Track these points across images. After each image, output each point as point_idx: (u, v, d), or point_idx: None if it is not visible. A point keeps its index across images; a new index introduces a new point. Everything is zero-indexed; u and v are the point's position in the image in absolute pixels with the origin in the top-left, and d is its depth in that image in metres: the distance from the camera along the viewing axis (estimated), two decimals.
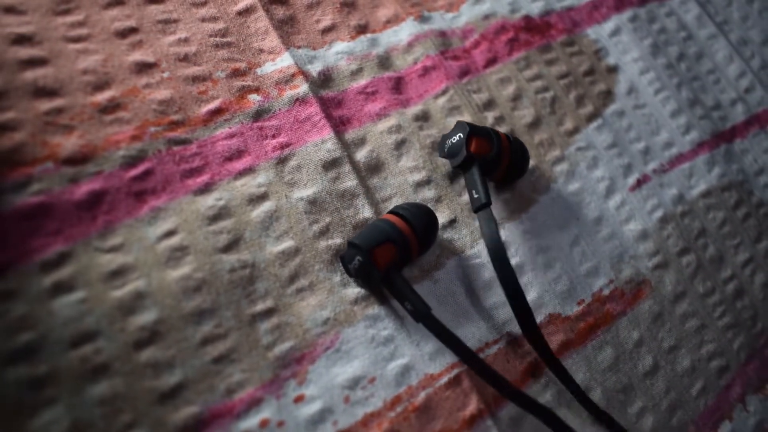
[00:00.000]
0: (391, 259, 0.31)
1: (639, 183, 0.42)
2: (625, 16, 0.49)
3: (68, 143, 0.30)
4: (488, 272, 0.35)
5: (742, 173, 0.46)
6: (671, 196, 0.43)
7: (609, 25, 0.48)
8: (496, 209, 0.37)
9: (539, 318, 0.35)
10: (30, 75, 0.30)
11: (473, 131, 0.34)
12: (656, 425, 0.35)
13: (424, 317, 0.30)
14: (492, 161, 0.35)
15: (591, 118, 0.43)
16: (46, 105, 0.30)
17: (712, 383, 0.38)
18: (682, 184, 0.43)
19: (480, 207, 0.33)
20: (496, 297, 0.35)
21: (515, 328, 0.35)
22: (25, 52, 0.31)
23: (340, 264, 0.33)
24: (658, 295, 0.39)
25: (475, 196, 0.33)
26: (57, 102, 0.31)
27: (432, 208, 0.36)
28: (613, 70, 0.46)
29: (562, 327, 0.36)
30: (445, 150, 0.36)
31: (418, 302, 0.30)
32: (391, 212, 0.33)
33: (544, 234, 0.38)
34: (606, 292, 0.38)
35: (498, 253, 0.32)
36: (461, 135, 0.34)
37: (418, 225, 0.32)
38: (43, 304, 0.27)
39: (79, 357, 0.27)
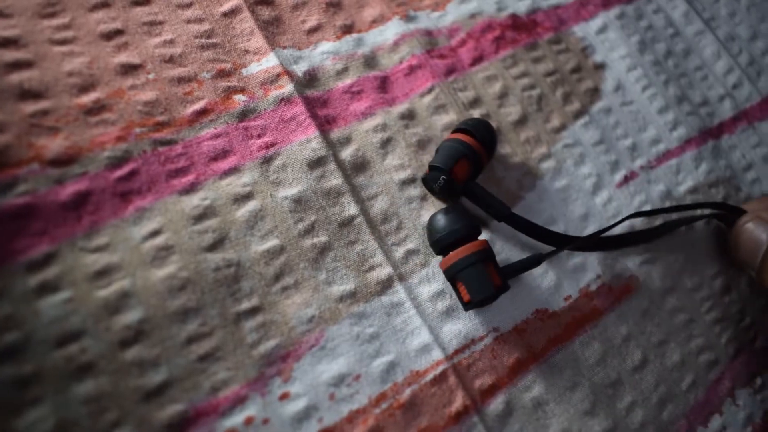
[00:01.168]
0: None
1: (626, 179, 0.42)
2: (613, 14, 0.49)
3: (54, 145, 0.30)
4: None
5: (729, 169, 0.46)
6: (658, 192, 0.43)
7: (596, 23, 0.48)
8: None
9: (526, 314, 0.36)
10: (15, 77, 0.31)
11: (447, 168, 0.34)
12: (646, 419, 0.36)
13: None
14: (475, 173, 0.36)
15: (578, 115, 0.43)
16: (31, 107, 0.30)
17: (702, 377, 0.38)
18: (669, 181, 0.44)
19: (507, 217, 0.35)
20: None
21: (501, 325, 0.35)
22: (10, 54, 0.31)
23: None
24: (646, 290, 0.39)
25: (492, 212, 0.35)
26: (42, 104, 0.31)
27: (418, 206, 0.36)
28: (600, 67, 0.46)
29: (549, 323, 0.36)
30: (438, 193, 0.36)
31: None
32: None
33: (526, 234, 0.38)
34: (593, 287, 0.38)
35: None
36: (443, 178, 0.34)
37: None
38: (28, 303, 0.27)
39: (65, 356, 0.27)
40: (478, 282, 0.31)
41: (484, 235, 0.37)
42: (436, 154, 0.35)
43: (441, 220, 0.33)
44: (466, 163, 0.35)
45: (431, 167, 0.35)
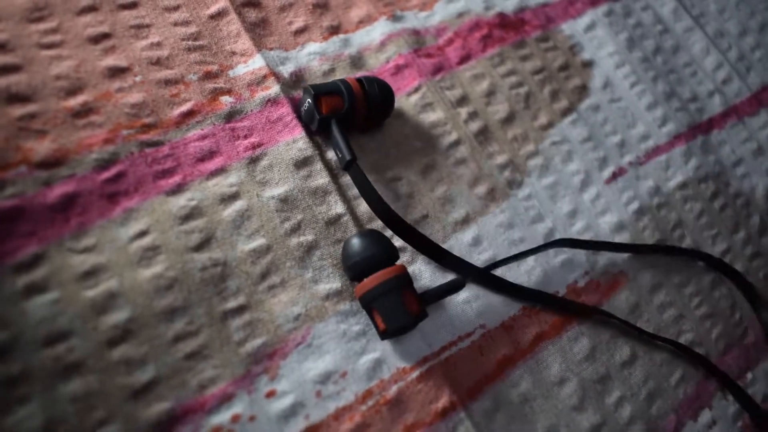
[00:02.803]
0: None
1: (615, 176, 0.42)
2: (601, 11, 0.49)
3: (41, 147, 0.31)
4: None
5: (719, 164, 0.46)
6: (647, 188, 0.43)
7: (584, 20, 0.48)
8: (470, 203, 0.38)
9: (513, 311, 0.36)
10: (3, 81, 0.31)
11: (319, 91, 0.34)
12: (635, 414, 0.36)
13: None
14: (347, 114, 0.35)
15: (566, 112, 0.44)
16: (19, 110, 0.31)
17: (691, 372, 0.39)
18: (658, 176, 0.44)
19: (348, 164, 0.34)
20: (468, 292, 0.35)
21: (488, 321, 0.35)
22: None
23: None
24: (635, 285, 0.39)
25: (339, 156, 0.34)
26: (30, 107, 0.31)
27: (404, 205, 0.36)
28: (588, 64, 0.46)
29: (536, 319, 0.36)
30: (303, 116, 0.36)
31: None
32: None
33: (518, 227, 0.38)
34: (581, 283, 0.38)
35: (378, 203, 0.33)
36: (309, 100, 0.34)
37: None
38: (16, 304, 0.28)
39: (53, 356, 0.27)
40: (394, 310, 0.30)
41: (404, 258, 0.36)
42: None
43: (356, 244, 0.31)
44: (338, 99, 0.34)
45: (304, 89, 0.35)
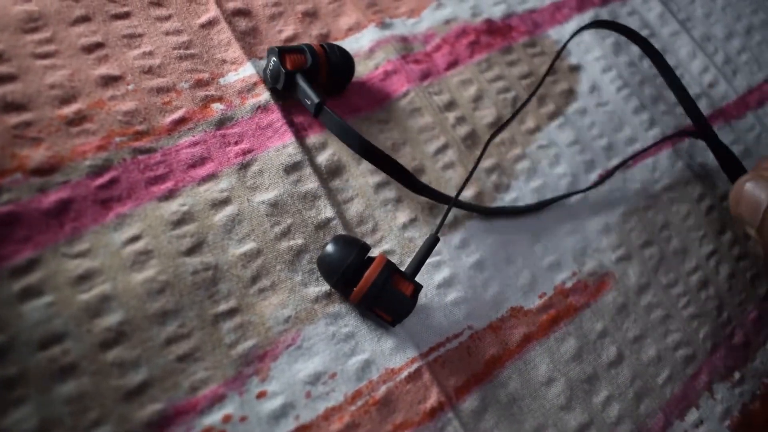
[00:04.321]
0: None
1: (601, 178, 0.43)
2: (587, 17, 0.50)
3: (36, 155, 0.31)
4: (447, 269, 0.36)
5: (706, 167, 0.47)
6: (634, 190, 0.44)
7: (571, 26, 0.49)
8: (454, 209, 0.39)
9: (500, 312, 0.36)
10: None
11: (283, 50, 0.35)
12: (623, 413, 0.36)
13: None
14: (311, 70, 0.36)
15: (553, 116, 0.44)
16: (14, 119, 0.32)
17: (679, 372, 0.39)
18: (645, 179, 0.45)
19: (318, 108, 0.35)
20: (456, 293, 0.36)
21: (476, 322, 0.36)
22: None
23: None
24: (622, 286, 0.40)
25: (308, 102, 0.35)
26: (25, 116, 0.32)
27: (393, 208, 0.37)
28: (575, 69, 0.47)
29: (523, 320, 0.37)
30: (269, 79, 0.37)
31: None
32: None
33: (506, 230, 0.39)
34: (569, 284, 0.39)
35: (356, 139, 0.34)
36: (274, 59, 0.35)
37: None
38: (12, 308, 0.28)
39: (48, 358, 0.28)
40: (393, 302, 0.31)
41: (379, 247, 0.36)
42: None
43: (331, 257, 0.32)
44: (301, 57, 0.36)
45: (268, 51, 0.36)
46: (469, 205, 0.38)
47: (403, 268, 0.36)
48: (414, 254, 0.36)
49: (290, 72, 0.35)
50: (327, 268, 0.32)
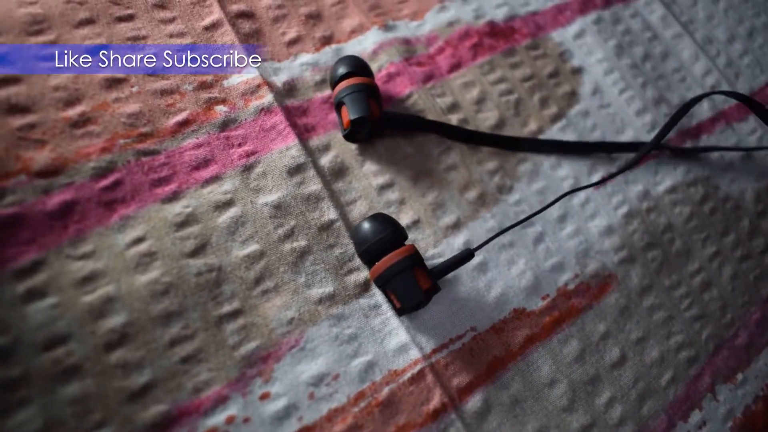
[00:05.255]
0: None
1: (604, 180, 0.43)
2: (590, 19, 0.50)
3: (40, 157, 0.31)
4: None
5: (708, 169, 0.47)
6: (636, 192, 0.44)
7: (573, 28, 0.49)
8: (460, 209, 0.39)
9: (503, 314, 0.36)
10: (3, 93, 0.32)
11: (367, 114, 0.36)
12: (625, 415, 0.36)
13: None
14: (379, 103, 0.38)
15: (555, 118, 0.44)
16: (19, 121, 0.32)
17: (681, 373, 0.39)
18: (647, 181, 0.45)
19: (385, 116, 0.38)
20: (459, 294, 0.36)
21: (479, 324, 0.36)
22: None
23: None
24: (625, 288, 0.40)
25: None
26: (29, 118, 0.32)
27: (396, 210, 0.37)
28: (577, 71, 0.47)
29: (526, 322, 0.37)
30: (362, 140, 0.38)
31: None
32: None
33: (509, 232, 0.39)
34: (571, 286, 0.39)
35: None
36: (368, 124, 0.36)
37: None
38: (16, 309, 0.28)
39: (52, 359, 0.28)
40: (407, 289, 0.32)
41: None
42: (349, 107, 0.36)
43: (366, 229, 0.33)
44: (373, 101, 0.37)
45: (353, 122, 0.36)
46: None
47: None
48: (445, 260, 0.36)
49: (380, 117, 0.37)
50: (358, 237, 0.33)
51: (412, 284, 0.32)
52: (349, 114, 0.36)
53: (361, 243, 0.33)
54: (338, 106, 0.37)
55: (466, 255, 0.34)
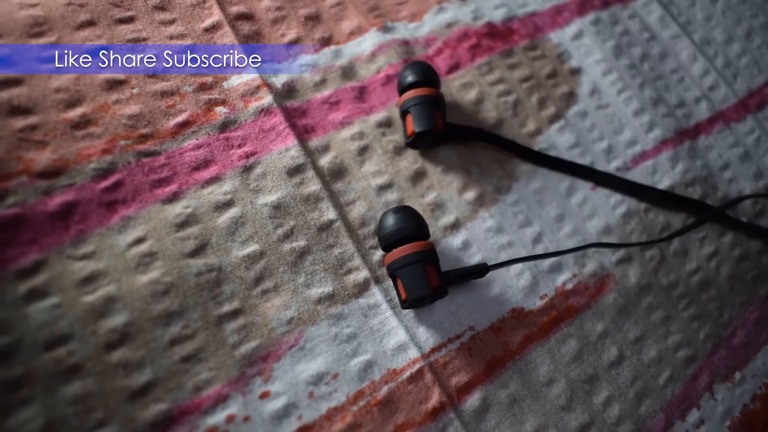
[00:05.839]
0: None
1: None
2: (588, 20, 0.50)
3: (42, 158, 0.32)
4: None
5: (706, 169, 0.47)
6: None
7: (571, 29, 0.49)
8: (459, 209, 0.39)
9: (501, 314, 0.37)
10: (5, 95, 0.32)
11: (432, 128, 0.37)
12: (623, 414, 0.36)
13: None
14: (444, 114, 0.40)
15: (553, 119, 0.45)
16: (20, 122, 0.32)
17: (679, 372, 0.39)
18: (645, 181, 0.45)
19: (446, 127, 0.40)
20: (458, 294, 0.36)
21: (477, 324, 0.36)
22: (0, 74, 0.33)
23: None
24: (623, 288, 0.40)
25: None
26: (31, 119, 0.32)
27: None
28: (575, 72, 0.47)
29: (524, 321, 0.37)
30: (424, 147, 0.40)
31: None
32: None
33: (507, 231, 0.39)
34: (569, 286, 0.39)
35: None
36: (431, 136, 0.38)
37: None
38: (18, 309, 0.29)
39: (53, 359, 0.28)
40: (416, 281, 0.32)
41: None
42: (415, 118, 0.37)
43: (390, 218, 0.34)
44: (438, 113, 0.38)
45: (418, 134, 0.37)
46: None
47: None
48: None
49: (443, 129, 0.39)
50: (382, 223, 0.34)
51: (421, 278, 0.32)
52: (414, 125, 0.37)
53: (384, 227, 0.34)
54: (403, 114, 0.38)
55: (480, 269, 0.35)
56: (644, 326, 0.40)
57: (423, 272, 0.32)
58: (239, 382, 0.31)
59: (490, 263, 0.38)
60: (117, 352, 0.29)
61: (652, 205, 0.44)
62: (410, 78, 0.38)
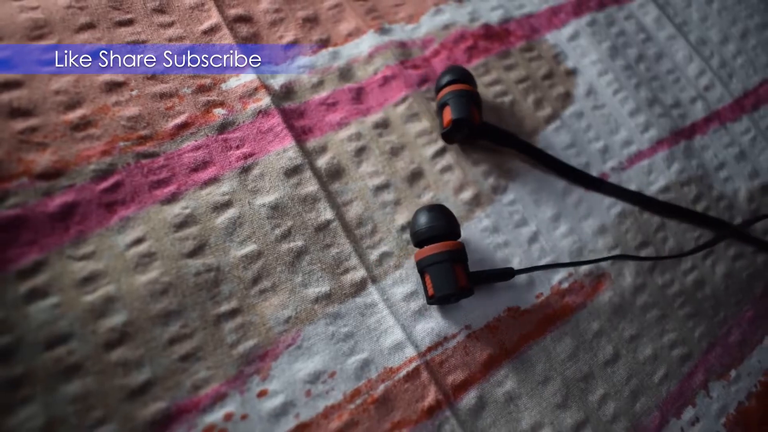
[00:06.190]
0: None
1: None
2: (584, 21, 0.51)
3: (42, 159, 0.32)
4: None
5: (702, 168, 0.48)
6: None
7: (568, 30, 0.50)
8: (455, 209, 0.39)
9: (497, 312, 0.37)
10: (5, 97, 0.33)
11: (469, 117, 0.39)
12: (618, 411, 0.37)
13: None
14: (481, 113, 0.41)
15: (549, 119, 0.45)
16: (20, 124, 0.32)
17: (675, 370, 0.40)
18: (641, 181, 0.45)
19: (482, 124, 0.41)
20: None
21: (473, 322, 0.36)
22: (0, 76, 0.33)
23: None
24: (618, 287, 0.41)
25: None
26: (31, 121, 0.33)
27: (392, 210, 0.38)
28: (571, 73, 0.48)
29: (520, 320, 0.37)
30: (458, 140, 0.41)
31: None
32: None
33: (503, 231, 0.39)
34: (565, 285, 0.39)
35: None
36: (467, 127, 0.39)
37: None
38: (19, 309, 0.29)
39: (54, 358, 0.29)
40: (444, 279, 0.33)
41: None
42: (453, 108, 0.39)
43: (424, 216, 0.35)
44: (475, 108, 0.40)
45: (454, 121, 0.38)
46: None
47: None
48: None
49: (479, 126, 0.40)
50: (415, 220, 0.35)
51: (450, 276, 0.33)
52: (451, 114, 0.38)
53: (418, 224, 0.35)
54: (441, 107, 0.40)
55: (506, 272, 0.36)
56: (640, 325, 0.40)
57: (451, 271, 0.33)
58: (237, 380, 0.31)
59: (486, 262, 0.38)
60: (116, 351, 0.30)
61: (673, 220, 0.45)
62: (449, 77, 0.40)
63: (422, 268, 0.34)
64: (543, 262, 0.40)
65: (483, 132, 0.40)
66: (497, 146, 0.42)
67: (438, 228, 0.34)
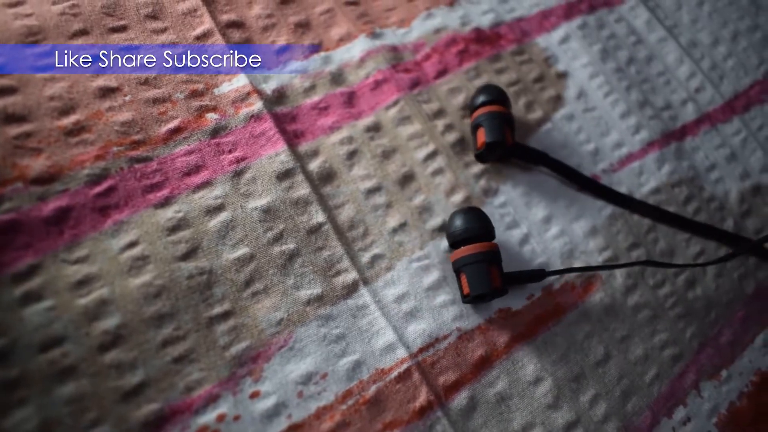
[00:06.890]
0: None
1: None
2: (575, 24, 0.51)
3: (36, 164, 0.32)
4: (436, 272, 0.37)
5: (693, 170, 0.48)
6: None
7: (558, 33, 0.50)
8: (447, 212, 0.40)
9: (488, 314, 0.37)
10: (0, 103, 0.33)
11: (502, 140, 0.40)
12: (610, 411, 0.37)
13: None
14: (513, 133, 0.42)
15: (540, 122, 0.45)
16: (15, 130, 0.33)
17: (666, 371, 0.40)
18: (632, 182, 0.45)
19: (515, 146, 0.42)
20: (445, 295, 0.37)
21: (465, 324, 0.37)
22: None
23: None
24: (609, 287, 0.41)
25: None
26: (25, 127, 0.33)
27: (383, 213, 0.38)
28: (562, 76, 0.48)
29: (511, 321, 0.38)
30: (491, 160, 0.42)
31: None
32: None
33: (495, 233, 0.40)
34: (556, 286, 0.40)
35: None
36: (500, 149, 0.40)
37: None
38: (14, 312, 0.29)
39: (48, 360, 0.29)
40: (479, 279, 0.35)
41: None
42: (487, 130, 0.40)
43: (460, 218, 0.36)
44: (508, 129, 0.41)
45: (489, 144, 0.39)
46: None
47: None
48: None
49: (512, 146, 0.41)
50: (451, 222, 0.37)
51: (485, 276, 0.35)
52: (486, 137, 0.39)
53: (454, 226, 0.36)
54: (475, 127, 0.41)
55: (539, 273, 0.37)
56: (631, 325, 0.40)
57: (487, 272, 0.35)
58: (230, 382, 0.31)
59: None
60: (110, 354, 0.30)
61: (688, 233, 0.46)
62: (483, 97, 0.41)
63: (458, 267, 0.36)
64: (535, 264, 0.40)
65: (515, 152, 0.41)
66: (529, 165, 0.43)
67: (474, 229, 0.36)
